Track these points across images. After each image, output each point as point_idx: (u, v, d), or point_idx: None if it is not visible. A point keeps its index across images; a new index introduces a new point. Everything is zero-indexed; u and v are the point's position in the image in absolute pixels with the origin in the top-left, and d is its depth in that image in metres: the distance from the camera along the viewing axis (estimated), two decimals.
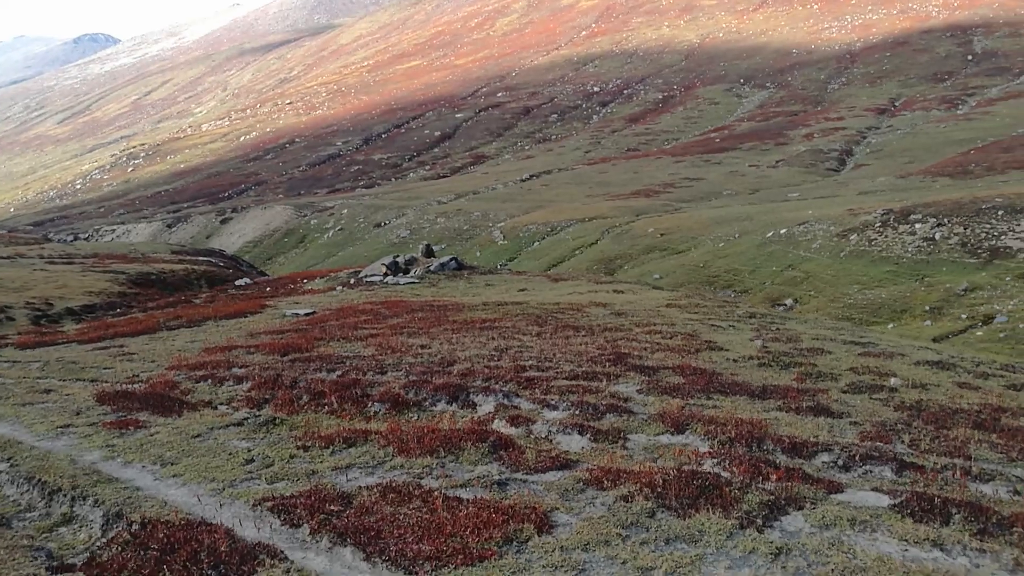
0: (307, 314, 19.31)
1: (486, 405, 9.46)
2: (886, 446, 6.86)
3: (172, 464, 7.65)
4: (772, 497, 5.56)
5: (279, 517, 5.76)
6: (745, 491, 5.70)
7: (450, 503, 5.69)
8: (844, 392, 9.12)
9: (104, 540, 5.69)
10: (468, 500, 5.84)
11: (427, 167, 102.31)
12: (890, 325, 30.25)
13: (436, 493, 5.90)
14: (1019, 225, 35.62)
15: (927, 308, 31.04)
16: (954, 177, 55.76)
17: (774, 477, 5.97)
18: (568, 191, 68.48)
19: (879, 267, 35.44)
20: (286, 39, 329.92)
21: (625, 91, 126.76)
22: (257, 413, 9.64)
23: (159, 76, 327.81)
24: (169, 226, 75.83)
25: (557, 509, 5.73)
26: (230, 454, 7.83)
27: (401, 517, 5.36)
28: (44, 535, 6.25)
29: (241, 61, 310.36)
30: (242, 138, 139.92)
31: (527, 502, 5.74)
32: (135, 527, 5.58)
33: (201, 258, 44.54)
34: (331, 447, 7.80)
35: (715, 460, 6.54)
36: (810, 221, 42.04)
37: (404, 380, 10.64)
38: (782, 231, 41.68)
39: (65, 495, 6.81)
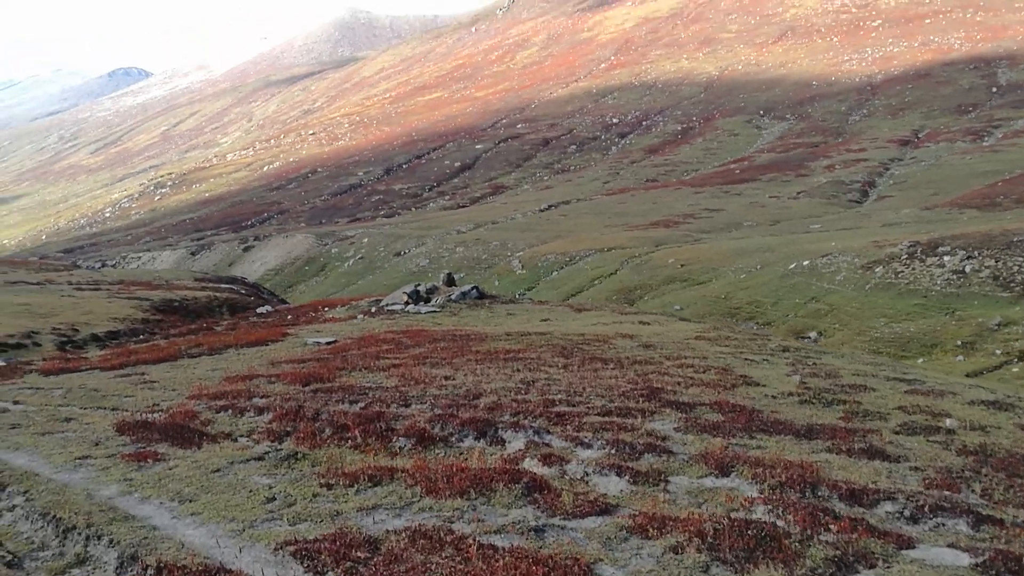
0: (328, 343, 19.09)
1: (516, 442, 9.13)
2: (956, 496, 6.33)
3: (191, 501, 7.39)
4: (838, 552, 5.07)
5: (302, 564, 5.39)
6: (806, 544, 5.20)
7: (485, 552, 5.25)
8: (897, 433, 8.61)
9: None
10: (504, 549, 5.45)
11: (447, 197, 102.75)
12: (920, 360, 29.49)
13: (469, 540, 5.48)
14: None
15: (959, 343, 30.26)
16: (981, 209, 54.90)
17: (835, 528, 5.49)
18: (587, 221, 68.30)
19: (907, 300, 34.71)
20: (310, 71, 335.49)
21: (644, 123, 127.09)
22: (279, 447, 9.42)
23: (188, 108, 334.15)
24: (193, 253, 76.45)
25: (601, 561, 5.32)
26: (250, 491, 7.56)
27: (433, 567, 4.97)
28: None
29: (267, 93, 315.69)
30: (266, 168, 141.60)
31: (568, 552, 5.29)
32: (150, 572, 5.26)
33: (223, 285, 44.67)
34: (356, 485, 7.51)
35: (767, 507, 6.07)
36: (833, 253, 41.42)
37: (429, 414, 10.36)
38: (805, 263, 41.08)
39: (80, 533, 6.58)
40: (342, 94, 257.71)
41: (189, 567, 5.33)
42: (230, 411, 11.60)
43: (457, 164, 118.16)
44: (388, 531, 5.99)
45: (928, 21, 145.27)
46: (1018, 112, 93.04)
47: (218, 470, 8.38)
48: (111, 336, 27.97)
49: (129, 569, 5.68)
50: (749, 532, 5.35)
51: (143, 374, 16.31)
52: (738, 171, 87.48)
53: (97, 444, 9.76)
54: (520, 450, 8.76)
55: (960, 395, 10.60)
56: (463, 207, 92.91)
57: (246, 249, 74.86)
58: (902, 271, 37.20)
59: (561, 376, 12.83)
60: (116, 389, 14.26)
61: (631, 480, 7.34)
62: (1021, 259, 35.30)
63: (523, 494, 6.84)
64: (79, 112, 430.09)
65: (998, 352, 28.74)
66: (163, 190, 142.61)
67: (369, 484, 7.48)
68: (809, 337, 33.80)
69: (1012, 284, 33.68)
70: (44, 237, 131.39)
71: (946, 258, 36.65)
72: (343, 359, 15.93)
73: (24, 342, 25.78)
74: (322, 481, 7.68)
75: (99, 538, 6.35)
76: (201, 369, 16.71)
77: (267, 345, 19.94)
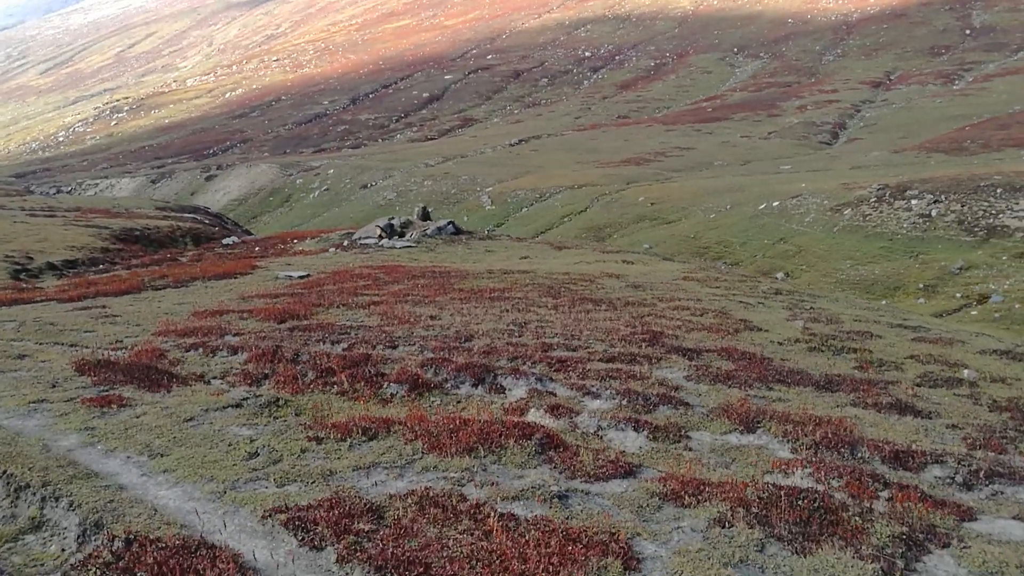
0: (301, 277, 18.39)
1: (517, 390, 8.51)
2: (1003, 457, 5.98)
3: (162, 455, 6.57)
4: (904, 529, 4.61)
5: (296, 535, 4.76)
6: (867, 518, 4.75)
7: (507, 524, 4.69)
8: (919, 385, 8.24)
9: (80, 557, 4.59)
10: (527, 520, 4.86)
11: (415, 129, 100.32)
12: (883, 302, 29.78)
13: (486, 509, 4.93)
14: (1017, 204, 35.07)
15: (921, 286, 30.61)
16: (949, 153, 55.10)
17: (886, 496, 5.05)
18: (557, 157, 67.25)
19: (873, 243, 34.98)
20: None
21: (617, 57, 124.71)
22: (257, 392, 8.63)
23: (143, 28, 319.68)
24: (153, 182, 73.87)
25: (639, 535, 4.77)
26: (230, 445, 6.76)
27: (451, 543, 4.37)
28: (7, 545, 5.21)
29: (227, 15, 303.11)
30: (228, 95, 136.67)
31: (601, 525, 4.79)
32: (118, 544, 4.46)
33: (186, 215, 43.12)
34: (348, 439, 6.77)
35: (806, 471, 5.61)
36: (803, 194, 41.36)
37: (420, 357, 9.71)
38: (774, 204, 40.99)
39: (35, 493, 5.74)
40: (307, 19, 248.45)
41: (164, 540, 4.63)
42: (201, 350, 10.79)
43: (425, 95, 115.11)
44: (391, 496, 5.38)
45: None
46: (989, 56, 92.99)
47: (192, 419, 7.57)
48: (68, 265, 26.68)
49: (92, 539, 4.86)
50: (800, 503, 4.87)
51: (104, 307, 15.32)
52: (710, 110, 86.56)
53: (54, 386, 8.82)
54: (522, 399, 8.19)
55: (968, 343, 10.28)
56: (431, 139, 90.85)
57: (208, 178, 72.46)
58: (870, 214, 37.30)
59: (553, 318, 12.27)
60: (75, 323, 13.31)
61: (650, 435, 6.79)
62: (986, 204, 35.53)
63: (537, 452, 6.26)
64: (26, 29, 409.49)
65: (958, 295, 29.09)
66: (120, 115, 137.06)
67: (363, 438, 6.81)
68: (776, 278, 33.97)
69: (976, 228, 33.96)
70: None
71: (913, 202, 36.77)
72: (319, 295, 15.20)
73: None
74: (310, 434, 6.96)
75: (57, 499, 5.58)
76: (167, 303, 15.74)
77: (236, 278, 19.06)
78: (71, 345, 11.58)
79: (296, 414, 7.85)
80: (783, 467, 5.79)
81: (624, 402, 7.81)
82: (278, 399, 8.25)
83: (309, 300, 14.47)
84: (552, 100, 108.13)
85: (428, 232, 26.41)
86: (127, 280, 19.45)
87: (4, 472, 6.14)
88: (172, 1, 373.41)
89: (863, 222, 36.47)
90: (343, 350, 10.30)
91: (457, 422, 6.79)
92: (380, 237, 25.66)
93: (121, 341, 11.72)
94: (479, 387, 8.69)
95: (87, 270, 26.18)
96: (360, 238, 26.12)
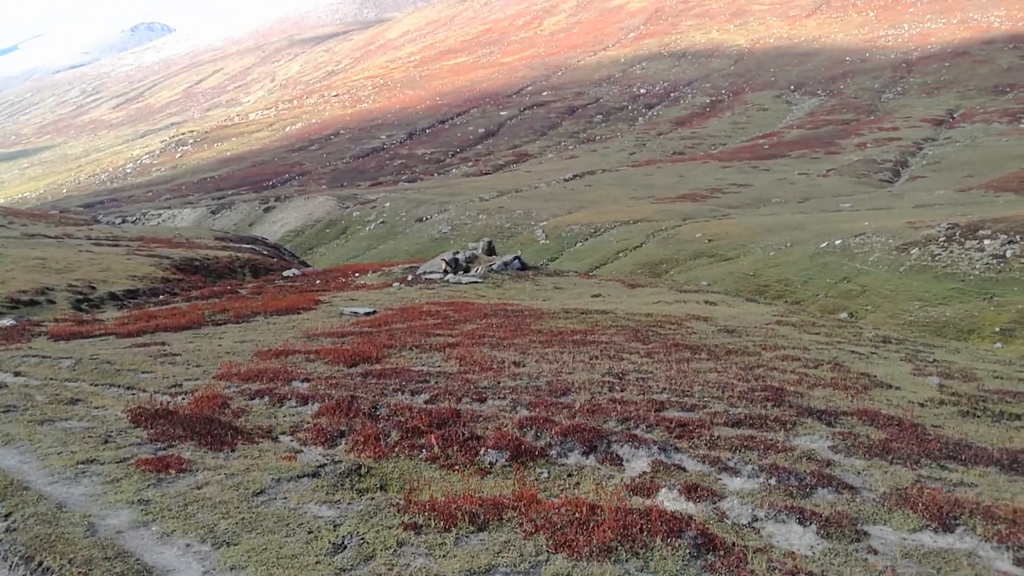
0: (367, 313, 17.73)
1: (636, 461, 7.38)
2: None
3: (228, 544, 5.57)
4: None
5: None
6: None
7: None
8: None
9: None
10: None
11: (470, 163, 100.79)
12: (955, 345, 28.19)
13: None
14: None
15: (997, 329, 28.97)
16: (1019, 193, 53.01)
17: None
18: (612, 192, 66.59)
19: (943, 284, 33.51)
20: (335, 32, 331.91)
21: (672, 94, 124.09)
22: (334, 456, 7.64)
23: (211, 65, 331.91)
24: (213, 212, 75.21)
25: None
26: (310, 532, 5.75)
27: None
28: None
29: (290, 52, 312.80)
30: (288, 128, 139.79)
31: None
32: None
33: (245, 245, 43.29)
34: (453, 530, 5.71)
35: None
36: (867, 233, 39.97)
37: (516, 416, 8.65)
38: (837, 242, 39.68)
39: None
40: (366, 56, 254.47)
41: None
42: (267, 398, 9.90)
43: (481, 130, 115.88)
44: None
45: None
46: None
47: (261, 491, 6.59)
48: (129, 295, 26.61)
49: None
50: None
51: (163, 344, 14.74)
52: (767, 146, 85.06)
53: (107, 441, 8.03)
54: (646, 473, 7.08)
55: None
56: (486, 174, 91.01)
57: (267, 209, 73.47)
58: (939, 254, 35.79)
59: (652, 368, 11.19)
60: (132, 362, 12.69)
61: (820, 531, 5.53)
62: None
63: (692, 555, 5.08)
64: (101, 66, 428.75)
65: None
66: (184, 148, 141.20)
67: (471, 528, 5.74)
68: (841, 318, 32.65)
69: None
70: (65, 191, 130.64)
71: (986, 242, 35.18)
72: (389, 335, 14.39)
73: (38, 299, 24.47)
74: (405, 519, 5.90)
75: None
76: (228, 340, 15.09)
77: (299, 313, 18.48)
78: (127, 388, 11.00)
79: (381, 487, 6.87)
80: None
81: (772, 482, 6.65)
82: (359, 467, 7.31)
83: (379, 340, 13.69)
84: (607, 136, 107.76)
85: (494, 267, 25.69)
86: (187, 314, 19.09)
87: (40, 565, 5.22)
88: (239, 39, 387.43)
89: (932, 262, 35.02)
90: (425, 402, 9.38)
91: (583, 510, 5.70)
92: (445, 272, 25.00)
93: (180, 385, 11.11)
94: (590, 456, 7.63)
95: (147, 301, 26.04)
96: (425, 272, 25.47)
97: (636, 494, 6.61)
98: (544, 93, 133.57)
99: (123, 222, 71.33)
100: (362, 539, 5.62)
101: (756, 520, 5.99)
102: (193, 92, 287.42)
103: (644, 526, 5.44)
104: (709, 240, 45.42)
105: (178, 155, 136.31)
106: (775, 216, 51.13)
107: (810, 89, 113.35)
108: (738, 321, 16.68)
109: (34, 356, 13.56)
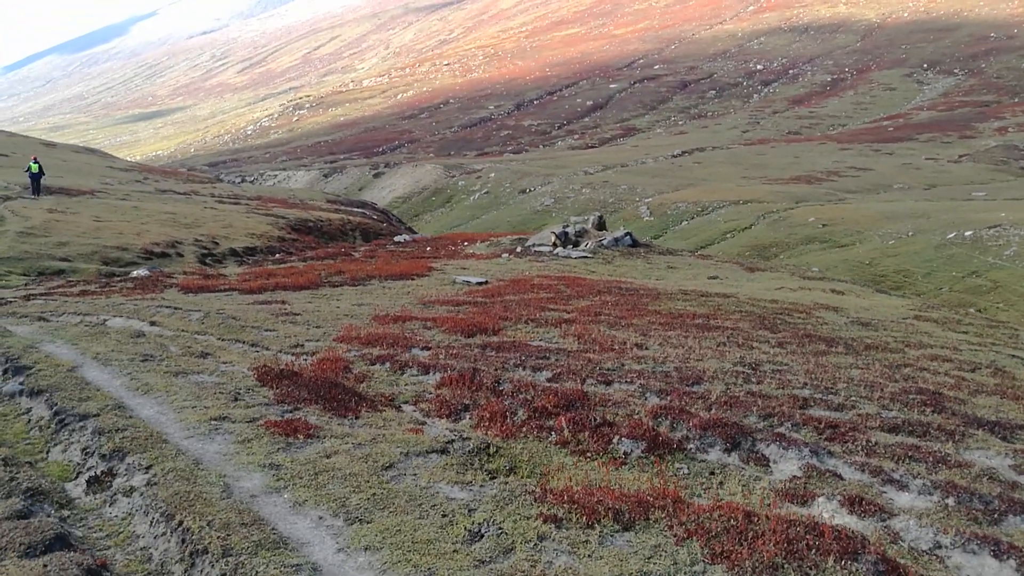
0: (479, 283, 18.13)
1: (785, 463, 6.88)
2: None
3: (362, 521, 5.51)
4: None
5: None
6: None
7: None
8: None
9: None
10: None
11: (576, 136, 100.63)
12: None
13: None
14: None
15: None
16: None
17: None
18: (722, 171, 65.18)
19: None
20: (450, 0, 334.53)
21: (790, 71, 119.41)
22: (462, 432, 7.55)
23: (328, 32, 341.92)
24: (325, 175, 78.48)
25: None
26: (444, 516, 5.62)
27: None
28: None
29: (405, 20, 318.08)
30: (399, 96, 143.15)
31: None
32: None
33: (355, 209, 45.27)
34: (597, 526, 5.40)
35: None
36: (1003, 224, 37.54)
37: (648, 404, 8.30)
38: (967, 233, 37.51)
39: (213, 564, 4.91)
40: (478, 25, 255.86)
41: None
42: (388, 364, 9.96)
43: (589, 103, 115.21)
44: None
45: None
46: None
47: (391, 465, 6.52)
48: (248, 252, 28.61)
49: None
50: None
51: (283, 302, 15.25)
52: (891, 128, 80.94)
53: (236, 399, 8.31)
54: (797, 478, 6.59)
55: None
56: (592, 147, 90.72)
57: (376, 175, 76.05)
58: None
59: (787, 360, 10.57)
60: (256, 319, 13.21)
61: (1021, 569, 4.89)
62: None
63: None
64: (230, 32, 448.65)
65: None
66: (301, 112, 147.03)
67: (616, 526, 5.42)
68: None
69: None
70: (192, 150, 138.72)
71: None
72: (503, 306, 14.43)
73: (168, 252, 26.73)
74: (543, 509, 5.63)
75: None
76: (345, 303, 15.35)
77: (412, 280, 18.80)
78: (252, 344, 11.38)
79: (511, 469, 6.71)
80: None
81: (950, 502, 5.92)
82: (487, 445, 7.16)
83: (494, 312, 13.76)
84: (719, 113, 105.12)
85: (604, 243, 25.78)
86: (304, 274, 19.90)
87: (180, 524, 5.39)
88: (357, 6, 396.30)
89: None
90: (547, 380, 9.19)
91: (738, 517, 5.33)
92: (554, 245, 25.23)
93: (302, 345, 11.32)
94: (732, 454, 7.14)
95: (265, 258, 27.93)
96: (534, 244, 25.87)
97: (789, 501, 6.12)
98: (656, 66, 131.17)
99: (242, 181, 75.46)
100: (500, 528, 5.43)
101: (939, 547, 5.34)
102: (311, 58, 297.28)
103: (812, 543, 4.94)
104: (823, 225, 43.96)
105: (294, 119, 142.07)
106: (897, 203, 48.84)
107: (946, 68, 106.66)
108: (871, 314, 15.99)
109: (167, 307, 14.29)
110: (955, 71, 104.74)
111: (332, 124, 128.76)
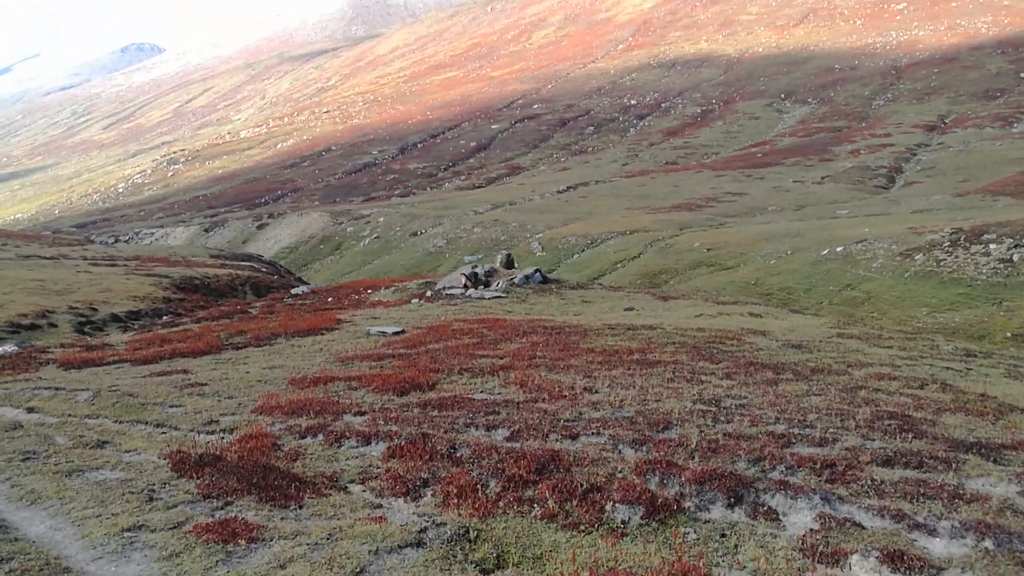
0: (396, 333, 17.22)
1: (796, 515, 6.26)
2: None
3: None
4: None
5: None
6: None
7: None
8: None
9: None
10: None
11: (463, 177, 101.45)
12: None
13: None
14: None
15: (1009, 335, 29.08)
16: (1016, 197, 53.64)
17: None
18: (607, 203, 67.20)
19: (950, 289, 33.55)
20: (324, 49, 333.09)
21: (663, 104, 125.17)
22: (434, 517, 6.56)
23: (201, 84, 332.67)
24: (207, 230, 75.58)
25: None
26: None
27: None
28: None
29: (280, 70, 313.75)
30: (279, 145, 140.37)
31: None
32: None
33: (242, 263, 43.62)
34: None
35: None
36: (868, 239, 40.20)
37: (621, 456, 7.61)
38: (838, 249, 39.95)
39: None
40: (356, 72, 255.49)
41: None
42: (321, 436, 8.93)
43: (473, 144, 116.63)
44: None
45: (954, 4, 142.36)
46: None
47: (361, 571, 5.42)
48: (133, 316, 26.85)
49: None
50: None
51: (185, 371, 13.79)
52: (760, 155, 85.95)
53: (151, 498, 6.93)
54: (815, 531, 6.00)
55: None
56: (479, 187, 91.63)
57: (260, 227, 73.91)
58: (944, 259, 35.93)
59: (743, 392, 10.29)
60: (157, 394, 11.68)
61: None
62: None
63: None
64: (92, 87, 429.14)
65: None
66: (176, 166, 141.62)
67: None
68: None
69: None
70: (57, 212, 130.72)
71: (992, 246, 35.35)
72: (430, 356, 13.54)
73: (39, 322, 24.66)
74: None
75: None
76: (254, 367, 14.01)
77: (322, 335, 17.53)
78: (157, 425, 10.04)
79: (499, 557, 5.82)
80: None
81: (988, 545, 5.47)
82: (467, 530, 6.26)
83: (422, 364, 12.84)
84: (599, 148, 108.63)
85: (516, 281, 25.52)
86: (202, 336, 18.54)
87: None
88: (229, 58, 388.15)
89: (937, 267, 35.12)
90: (506, 439, 8.41)
91: None
92: (466, 287, 24.75)
93: (217, 421, 10.10)
94: (736, 509, 6.48)
95: (152, 322, 26.19)
96: (444, 287, 25.26)
97: (822, 563, 5.48)
98: (535, 106, 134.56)
99: (116, 241, 71.57)
100: None
101: None
102: (184, 111, 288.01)
103: None
104: (708, 249, 45.64)
105: (170, 174, 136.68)
106: (773, 224, 51.47)
107: (800, 97, 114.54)
108: (797, 335, 15.90)
109: (46, 388, 12.50)
110: (809, 100, 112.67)
111: (210, 177, 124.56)
